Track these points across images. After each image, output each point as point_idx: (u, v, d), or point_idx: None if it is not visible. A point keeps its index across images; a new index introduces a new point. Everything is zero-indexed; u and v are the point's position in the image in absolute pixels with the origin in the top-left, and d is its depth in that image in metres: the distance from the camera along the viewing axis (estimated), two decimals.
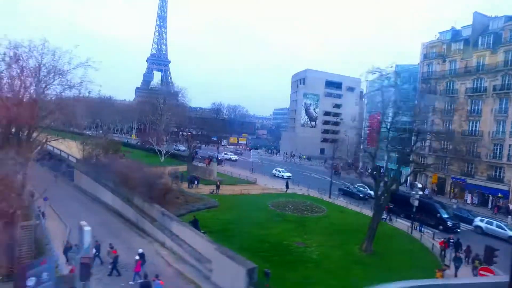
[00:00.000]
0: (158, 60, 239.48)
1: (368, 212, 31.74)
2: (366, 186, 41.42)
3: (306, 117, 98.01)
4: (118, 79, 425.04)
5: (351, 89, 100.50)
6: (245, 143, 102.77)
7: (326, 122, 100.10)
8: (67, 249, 18.74)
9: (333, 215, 31.84)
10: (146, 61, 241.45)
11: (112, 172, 31.37)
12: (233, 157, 69.52)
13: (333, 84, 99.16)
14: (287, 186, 41.19)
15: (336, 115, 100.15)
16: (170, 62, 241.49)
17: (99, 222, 24.20)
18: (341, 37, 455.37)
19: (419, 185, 49.30)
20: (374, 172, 45.27)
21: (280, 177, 51.05)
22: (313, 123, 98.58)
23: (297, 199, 36.21)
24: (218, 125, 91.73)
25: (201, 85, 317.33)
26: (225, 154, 70.53)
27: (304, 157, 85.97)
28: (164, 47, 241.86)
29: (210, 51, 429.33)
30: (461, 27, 50.34)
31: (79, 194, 34.70)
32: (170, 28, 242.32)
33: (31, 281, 10.89)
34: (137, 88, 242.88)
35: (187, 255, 20.71)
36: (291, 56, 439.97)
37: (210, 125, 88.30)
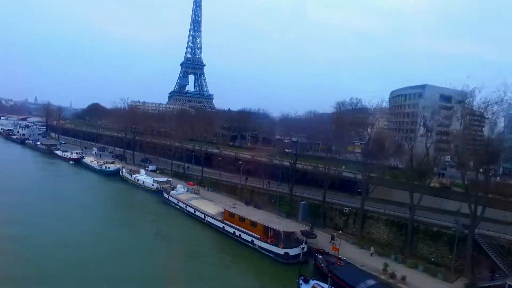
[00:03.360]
0: (193, 64, 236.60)
1: None
2: None
3: (423, 128, 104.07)
4: (144, 83, 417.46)
5: (459, 102, 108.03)
6: (360, 151, 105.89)
7: (438, 133, 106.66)
8: None
9: None
10: (180, 65, 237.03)
11: None
12: None
13: (445, 98, 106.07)
14: None
15: (447, 126, 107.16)
16: (204, 65, 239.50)
17: None
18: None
19: None
20: None
21: None
22: (429, 134, 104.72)
23: None
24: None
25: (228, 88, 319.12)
26: None
27: None
28: (198, 51, 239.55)
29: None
30: None
31: None
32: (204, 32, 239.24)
33: None
34: (172, 92, 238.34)
35: None
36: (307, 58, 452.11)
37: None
